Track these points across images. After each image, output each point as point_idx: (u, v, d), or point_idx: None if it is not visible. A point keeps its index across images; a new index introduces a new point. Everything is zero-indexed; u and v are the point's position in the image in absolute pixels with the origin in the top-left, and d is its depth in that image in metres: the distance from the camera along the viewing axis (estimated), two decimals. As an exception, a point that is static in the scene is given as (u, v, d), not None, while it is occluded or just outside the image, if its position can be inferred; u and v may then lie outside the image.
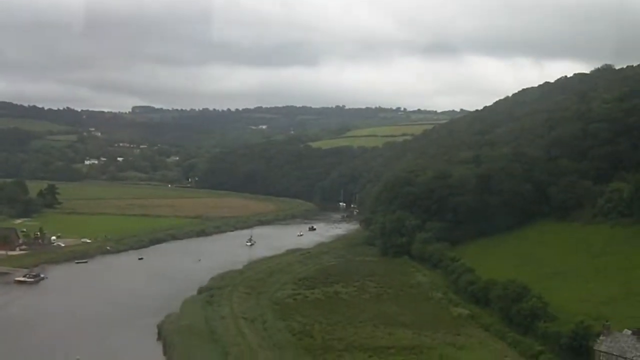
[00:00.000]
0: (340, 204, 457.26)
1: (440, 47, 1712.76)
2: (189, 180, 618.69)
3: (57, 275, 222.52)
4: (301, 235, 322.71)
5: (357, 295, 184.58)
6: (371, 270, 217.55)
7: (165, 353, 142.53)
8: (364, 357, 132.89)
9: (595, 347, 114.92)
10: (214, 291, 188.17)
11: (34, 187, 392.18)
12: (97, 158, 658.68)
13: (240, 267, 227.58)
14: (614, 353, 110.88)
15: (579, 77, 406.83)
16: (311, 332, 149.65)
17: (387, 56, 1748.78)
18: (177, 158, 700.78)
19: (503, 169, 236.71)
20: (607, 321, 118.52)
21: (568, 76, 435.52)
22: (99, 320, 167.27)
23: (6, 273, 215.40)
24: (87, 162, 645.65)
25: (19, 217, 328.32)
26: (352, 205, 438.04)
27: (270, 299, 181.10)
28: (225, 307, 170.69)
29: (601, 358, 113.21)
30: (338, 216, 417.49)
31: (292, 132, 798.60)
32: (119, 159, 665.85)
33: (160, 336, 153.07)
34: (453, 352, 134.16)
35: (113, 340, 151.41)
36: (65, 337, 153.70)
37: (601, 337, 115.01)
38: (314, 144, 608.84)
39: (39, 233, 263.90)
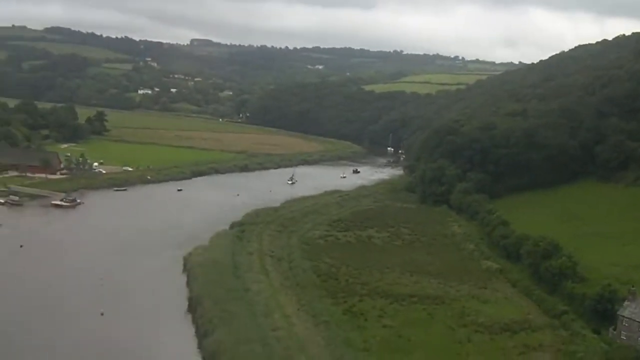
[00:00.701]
0: (389, 148, 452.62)
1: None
2: (240, 115, 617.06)
3: (94, 201, 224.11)
4: (344, 177, 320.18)
5: (389, 241, 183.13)
6: (408, 217, 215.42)
7: (187, 285, 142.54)
8: (385, 303, 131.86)
9: (619, 312, 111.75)
10: (246, 227, 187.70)
11: (85, 113, 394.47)
12: (151, 88, 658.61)
13: (277, 204, 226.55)
14: (637, 320, 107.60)
15: (636, 36, 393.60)
16: (336, 275, 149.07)
17: (447, 2, 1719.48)
18: (231, 93, 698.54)
19: (549, 124, 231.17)
20: (633, 286, 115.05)
21: (626, 34, 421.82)
22: (129, 247, 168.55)
23: (44, 196, 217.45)
24: (140, 92, 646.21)
25: (66, 142, 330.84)
26: (399, 151, 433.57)
27: (301, 238, 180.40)
28: (254, 243, 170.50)
29: (624, 323, 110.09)
30: (384, 161, 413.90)
31: (348, 74, 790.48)
32: (172, 90, 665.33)
33: (185, 268, 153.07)
34: (476, 305, 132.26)
35: (139, 269, 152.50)
36: (94, 261, 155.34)
37: (626, 302, 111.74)
38: (368, 87, 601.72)
39: (80, 158, 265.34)
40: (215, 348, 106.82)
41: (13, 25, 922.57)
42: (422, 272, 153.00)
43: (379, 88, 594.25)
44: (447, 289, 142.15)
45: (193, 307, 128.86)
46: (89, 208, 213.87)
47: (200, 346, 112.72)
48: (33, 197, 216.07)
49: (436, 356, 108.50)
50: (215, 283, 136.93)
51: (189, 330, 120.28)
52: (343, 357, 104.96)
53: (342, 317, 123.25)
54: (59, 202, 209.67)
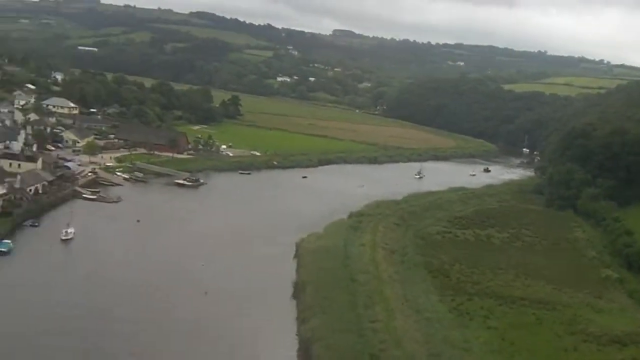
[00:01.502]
0: (524, 150, 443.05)
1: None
2: (377, 107, 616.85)
3: (217, 182, 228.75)
4: (473, 175, 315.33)
5: (508, 242, 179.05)
6: (531, 219, 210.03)
7: (297, 270, 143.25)
8: (493, 304, 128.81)
9: None
10: (364, 217, 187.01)
11: (220, 97, 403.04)
12: (290, 76, 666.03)
13: (399, 198, 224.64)
14: None
15: None
16: (448, 272, 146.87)
17: (593, 3, 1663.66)
18: (369, 84, 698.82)
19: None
20: None
21: None
22: (245, 230, 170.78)
23: (169, 175, 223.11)
24: (279, 79, 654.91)
25: (198, 123, 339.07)
26: (534, 152, 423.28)
27: (418, 233, 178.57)
28: (368, 234, 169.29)
29: None
30: (517, 161, 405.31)
31: (489, 71, 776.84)
32: (310, 79, 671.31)
33: (296, 254, 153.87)
34: (589, 313, 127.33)
35: (252, 252, 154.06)
36: (206, 242, 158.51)
37: None
38: (507, 86, 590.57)
39: (208, 140, 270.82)
40: (311, 335, 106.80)
41: (159, 8, 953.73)
42: (537, 276, 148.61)
43: (518, 87, 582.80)
44: (561, 295, 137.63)
45: (297, 293, 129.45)
46: (211, 189, 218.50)
47: (298, 332, 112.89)
48: (158, 175, 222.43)
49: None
50: (322, 270, 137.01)
51: (291, 315, 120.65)
52: (441, 355, 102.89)
53: (447, 315, 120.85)
54: (182, 182, 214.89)
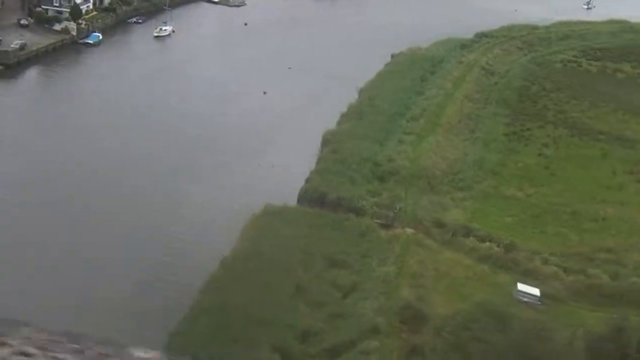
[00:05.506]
0: None
1: None
2: None
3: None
4: None
5: (634, 78, 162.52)
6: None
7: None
8: (565, 134, 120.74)
9: None
10: (487, 38, 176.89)
11: None
12: None
13: (546, 23, 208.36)
14: None
15: None
16: (539, 98, 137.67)
17: None
18: None
19: None
20: None
21: None
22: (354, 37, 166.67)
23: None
24: None
25: None
26: None
27: (535, 59, 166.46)
28: (475, 53, 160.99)
29: None
30: None
31: None
32: None
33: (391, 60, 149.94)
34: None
35: (343, 57, 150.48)
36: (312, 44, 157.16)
37: None
38: None
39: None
40: (330, 137, 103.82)
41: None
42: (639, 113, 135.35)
43: None
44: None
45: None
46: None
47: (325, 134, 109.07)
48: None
49: (563, 197, 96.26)
50: (392, 80, 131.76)
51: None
52: (458, 173, 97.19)
53: (501, 137, 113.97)
54: None
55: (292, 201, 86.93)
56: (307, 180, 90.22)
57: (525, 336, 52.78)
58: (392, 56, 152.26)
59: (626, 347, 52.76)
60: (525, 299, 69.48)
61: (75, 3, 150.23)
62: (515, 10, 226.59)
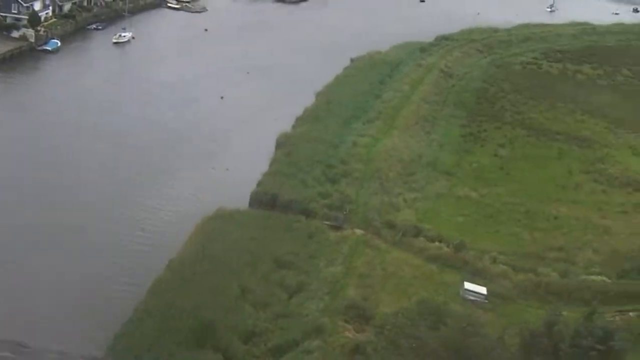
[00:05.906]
0: None
1: None
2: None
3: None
4: (616, 14, 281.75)
5: (594, 79, 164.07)
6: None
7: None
8: (522, 135, 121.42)
9: None
10: (448, 41, 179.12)
11: None
12: None
13: (508, 27, 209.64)
14: None
15: None
16: (497, 100, 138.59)
17: None
18: None
19: None
20: None
21: None
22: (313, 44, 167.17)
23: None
24: None
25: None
26: None
27: (496, 61, 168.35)
28: (434, 57, 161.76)
29: None
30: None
31: None
32: None
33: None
34: (625, 156, 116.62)
35: (307, 62, 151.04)
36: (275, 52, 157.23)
37: None
38: None
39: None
40: (284, 140, 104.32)
41: None
42: (597, 115, 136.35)
43: None
44: (609, 135, 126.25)
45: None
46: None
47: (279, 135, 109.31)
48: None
49: (517, 196, 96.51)
50: (350, 84, 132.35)
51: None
52: (412, 173, 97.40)
53: (457, 139, 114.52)
54: None
55: (246, 204, 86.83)
56: (259, 183, 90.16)
57: (457, 332, 53.02)
58: (352, 60, 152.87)
59: (559, 342, 53.13)
60: (472, 297, 69.72)
61: (33, 10, 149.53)
62: (478, 14, 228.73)
